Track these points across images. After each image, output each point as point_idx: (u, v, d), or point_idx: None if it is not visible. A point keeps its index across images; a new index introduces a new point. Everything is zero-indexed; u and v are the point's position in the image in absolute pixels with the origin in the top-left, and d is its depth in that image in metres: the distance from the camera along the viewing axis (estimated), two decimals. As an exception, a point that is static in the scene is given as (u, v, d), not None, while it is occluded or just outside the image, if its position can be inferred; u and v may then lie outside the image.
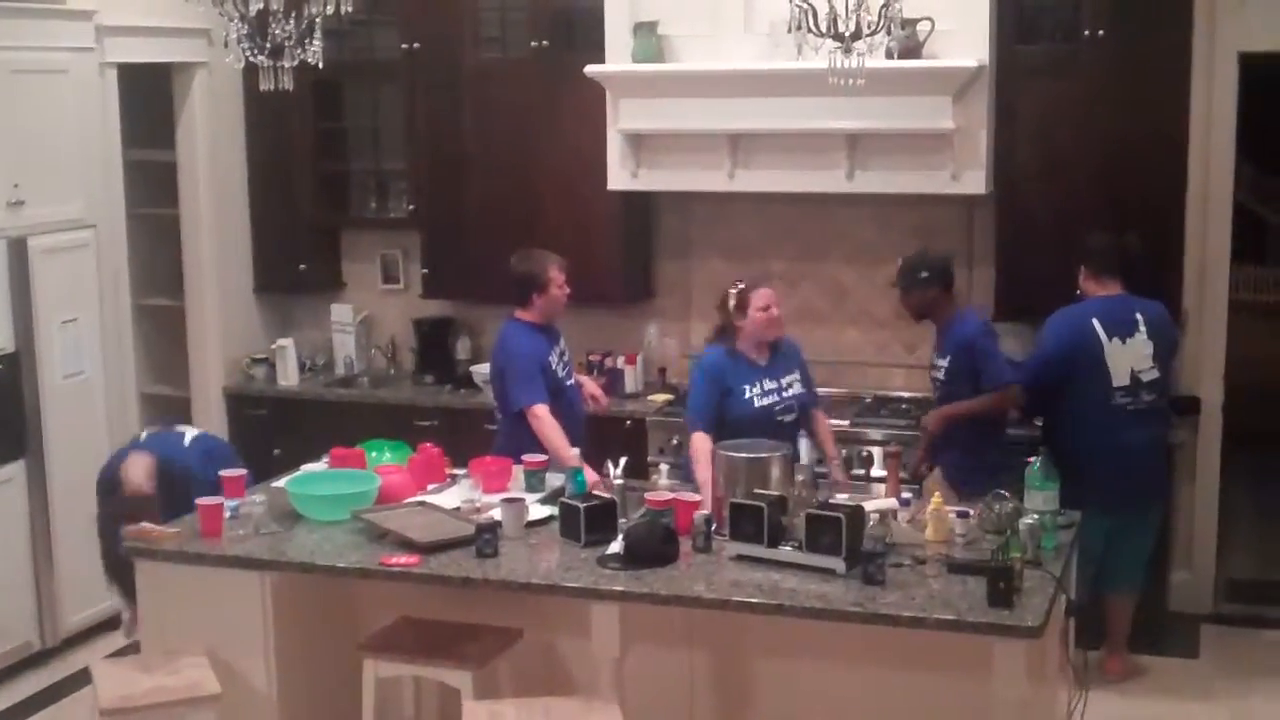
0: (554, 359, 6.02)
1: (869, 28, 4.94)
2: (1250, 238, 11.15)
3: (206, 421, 7.46)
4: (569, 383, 6.14)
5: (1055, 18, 6.71)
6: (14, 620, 6.48)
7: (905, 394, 7.04)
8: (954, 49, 6.40)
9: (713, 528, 4.92)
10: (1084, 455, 5.79)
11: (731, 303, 5.70)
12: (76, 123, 6.75)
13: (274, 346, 7.90)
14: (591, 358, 7.43)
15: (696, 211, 7.46)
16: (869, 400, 7.07)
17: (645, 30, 6.75)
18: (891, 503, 5.04)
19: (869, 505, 4.91)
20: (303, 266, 7.99)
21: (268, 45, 5.10)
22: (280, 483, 5.55)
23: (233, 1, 5.02)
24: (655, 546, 4.78)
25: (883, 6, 4.98)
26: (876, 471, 6.51)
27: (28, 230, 6.47)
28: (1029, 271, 6.67)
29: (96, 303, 6.87)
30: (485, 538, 4.87)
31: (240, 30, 5.07)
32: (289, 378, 7.84)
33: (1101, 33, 6.49)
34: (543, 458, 5.62)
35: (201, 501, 5.12)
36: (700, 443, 5.48)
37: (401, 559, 4.86)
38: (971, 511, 4.94)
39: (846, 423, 6.76)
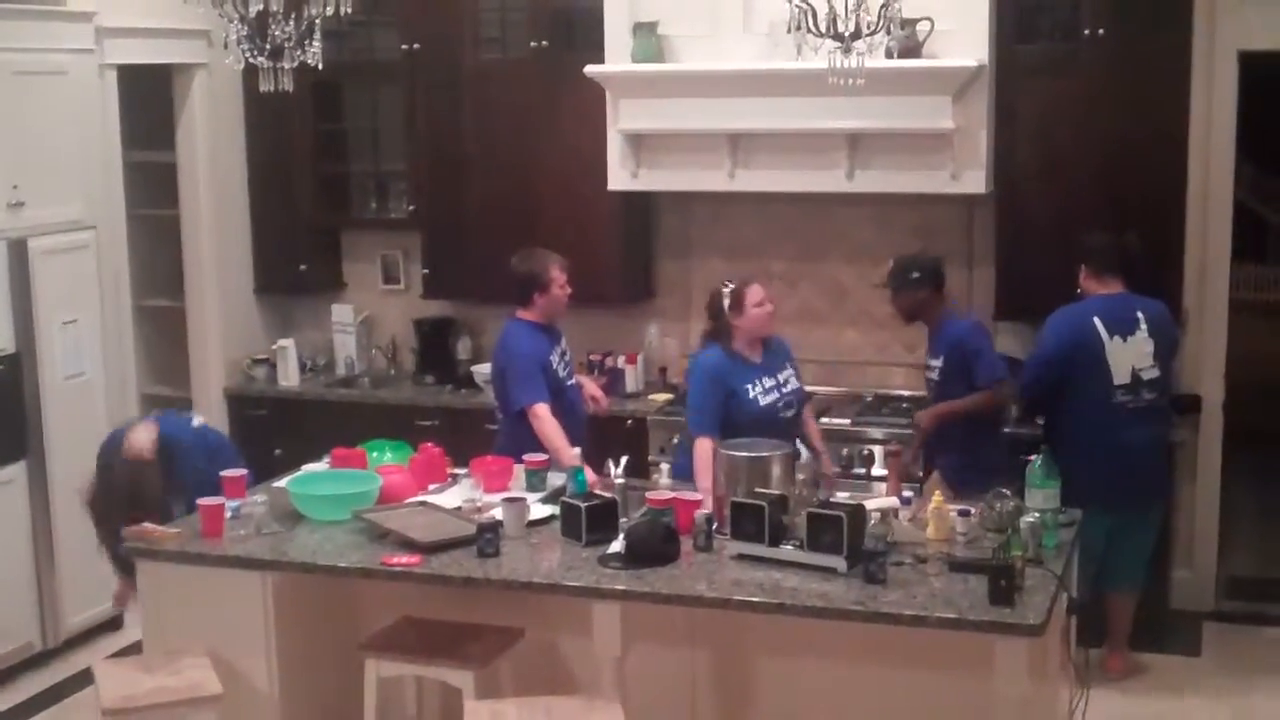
0: (555, 359, 6.02)
1: (868, 27, 4.95)
2: (1250, 236, 11.17)
3: (207, 422, 7.44)
4: (570, 383, 6.14)
5: (1055, 17, 6.71)
6: (15, 621, 6.48)
7: (905, 392, 7.04)
8: (953, 48, 6.40)
9: (714, 527, 4.92)
10: (1085, 453, 5.80)
11: (726, 301, 5.67)
12: (76, 124, 6.75)
13: (275, 347, 7.90)
14: (592, 357, 7.43)
15: (696, 211, 7.47)
16: (869, 399, 7.07)
17: (645, 30, 6.75)
18: (893, 501, 5.04)
19: (870, 504, 4.91)
20: (303, 267, 7.99)
21: (267, 46, 5.10)
22: (281, 483, 5.55)
23: (232, 3, 5.02)
24: (656, 546, 4.78)
25: (882, 6, 4.98)
26: (878, 470, 6.52)
27: (28, 231, 6.47)
28: (1029, 271, 6.67)
29: (97, 304, 6.87)
30: (486, 537, 4.87)
31: (240, 31, 5.07)
32: (290, 378, 7.84)
33: (1101, 32, 6.49)
34: (544, 457, 5.62)
35: (203, 502, 5.12)
36: (705, 449, 5.41)
37: (403, 559, 4.86)
38: (973, 510, 4.94)
39: (847, 422, 6.77)
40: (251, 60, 5.12)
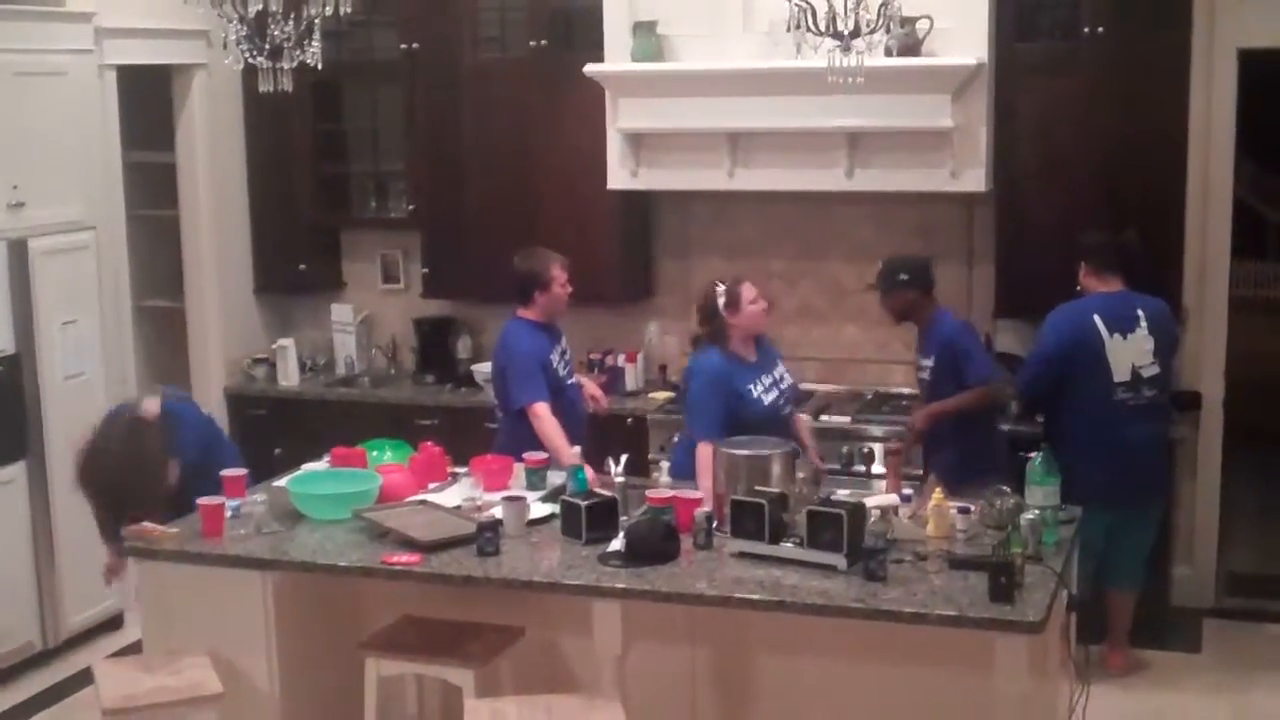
0: (555, 358, 6.03)
1: (868, 26, 4.95)
2: (1250, 234, 11.16)
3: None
4: (570, 382, 6.14)
5: (1054, 15, 6.71)
6: (16, 621, 6.48)
7: (905, 390, 7.03)
8: (953, 47, 6.40)
9: (714, 525, 4.92)
10: (1085, 451, 5.80)
11: (721, 300, 5.62)
12: (76, 125, 6.75)
13: (274, 347, 7.91)
14: (592, 356, 7.44)
15: (696, 210, 7.47)
16: (870, 397, 7.07)
17: (644, 30, 6.75)
18: (893, 499, 5.04)
19: (870, 501, 4.91)
20: (303, 267, 8.00)
21: (267, 46, 5.11)
22: (281, 482, 5.55)
23: (231, 3, 5.02)
24: (656, 544, 4.78)
25: (881, 5, 4.99)
26: (877, 468, 6.52)
27: (28, 232, 6.47)
28: (1029, 269, 6.67)
29: (97, 304, 6.87)
30: (486, 536, 4.87)
31: (239, 32, 5.08)
32: (290, 378, 7.84)
33: (1101, 30, 6.50)
34: (544, 456, 5.62)
35: (203, 501, 5.12)
36: (707, 454, 5.33)
37: (403, 558, 4.86)
38: (973, 507, 4.94)
39: (847, 419, 6.78)
40: (251, 60, 5.13)
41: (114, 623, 6.95)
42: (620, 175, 7.02)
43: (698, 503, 5.02)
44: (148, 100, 7.54)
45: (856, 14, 4.93)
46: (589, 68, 6.82)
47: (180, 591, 5.06)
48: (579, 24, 7.21)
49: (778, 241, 7.35)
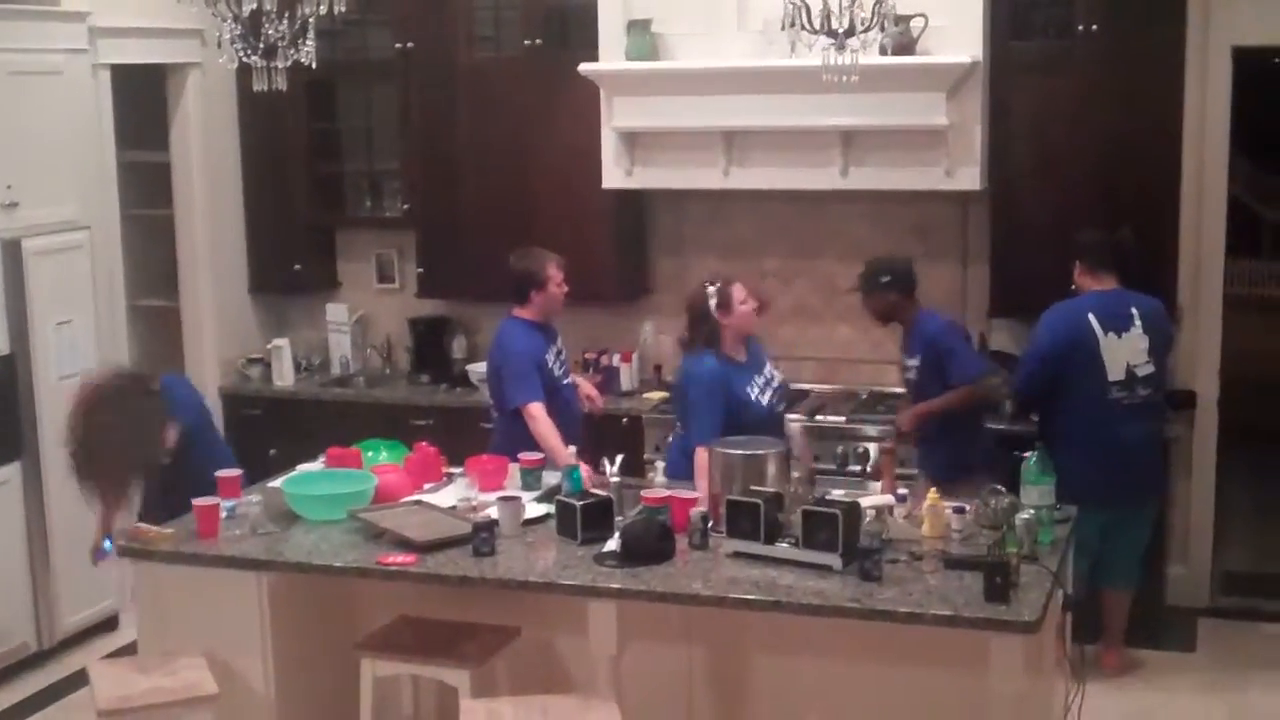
0: (550, 358, 6.02)
1: (862, 24, 4.94)
2: (1245, 232, 11.19)
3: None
4: (565, 382, 6.14)
5: (1048, 13, 6.71)
6: (11, 622, 6.48)
7: (900, 390, 7.00)
8: (947, 45, 6.40)
9: (709, 525, 4.92)
10: (1080, 450, 5.81)
11: (713, 302, 5.59)
12: (70, 124, 6.74)
13: (269, 346, 7.90)
14: (587, 355, 7.44)
15: (691, 209, 7.47)
16: (864, 396, 7.07)
17: (639, 28, 6.75)
18: (888, 499, 5.04)
19: (865, 501, 4.91)
20: (298, 266, 7.99)
21: (261, 45, 5.10)
22: (276, 483, 5.55)
23: (226, 2, 5.02)
24: (652, 544, 4.78)
25: (876, 3, 4.97)
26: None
27: (22, 232, 6.47)
28: (1024, 267, 6.67)
29: (91, 304, 6.86)
30: (482, 536, 4.87)
31: (233, 31, 5.07)
32: (284, 378, 7.84)
33: (1095, 28, 6.50)
34: (539, 456, 5.62)
35: (198, 502, 5.11)
36: (706, 457, 5.27)
37: (399, 558, 4.86)
38: (968, 507, 4.94)
39: (842, 419, 6.78)
40: (245, 59, 5.12)
41: (109, 624, 6.95)
42: (615, 174, 7.02)
43: (693, 502, 5.02)
44: (142, 99, 7.53)
45: (851, 12, 4.92)
46: (584, 66, 6.82)
47: (175, 592, 5.05)
48: (574, 23, 7.21)
49: (773, 240, 7.35)
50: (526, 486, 5.47)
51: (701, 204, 7.41)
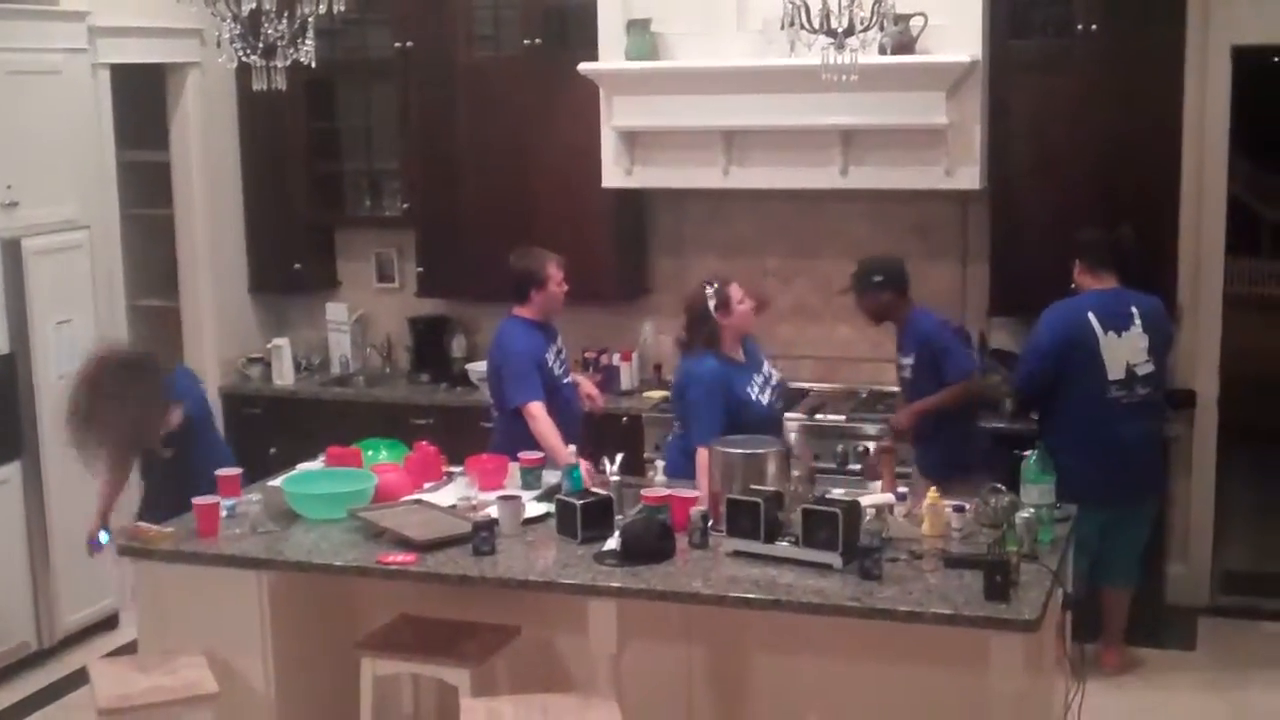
0: (550, 357, 6.02)
1: (862, 23, 4.94)
2: (1245, 231, 11.19)
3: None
4: (565, 381, 6.14)
5: (1048, 13, 6.71)
6: (11, 621, 6.48)
7: (899, 389, 7.03)
8: (947, 44, 6.40)
9: (709, 524, 4.92)
10: (1080, 449, 5.81)
11: (712, 303, 5.59)
12: (70, 124, 6.74)
13: (269, 346, 7.90)
14: (587, 355, 7.44)
15: (691, 208, 7.47)
16: (864, 395, 7.07)
17: (638, 27, 6.75)
18: (888, 497, 5.04)
19: (865, 500, 4.91)
20: (297, 266, 7.99)
21: (260, 45, 5.10)
22: (276, 482, 5.55)
23: (225, 2, 5.02)
24: (652, 543, 4.78)
25: (875, 2, 4.97)
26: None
27: (22, 232, 6.47)
28: (1024, 266, 6.67)
29: (91, 304, 6.86)
30: (482, 535, 4.87)
31: (233, 30, 5.07)
32: (284, 377, 7.84)
33: (1094, 27, 6.50)
34: (539, 455, 5.62)
35: (198, 501, 5.12)
36: (706, 457, 5.29)
37: (399, 557, 4.86)
38: (968, 505, 4.94)
39: (842, 418, 6.78)
40: (244, 59, 5.12)
41: (109, 622, 6.95)
42: (615, 173, 7.02)
43: (693, 501, 5.02)
44: (142, 99, 7.53)
45: (850, 11, 4.92)
46: (583, 66, 6.82)
47: (176, 591, 5.05)
48: (573, 22, 7.21)
49: (772, 239, 7.35)
50: (526, 485, 5.48)
51: (701, 203, 7.41)
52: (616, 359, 7.42)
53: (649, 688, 4.90)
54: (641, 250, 7.58)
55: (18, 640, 6.52)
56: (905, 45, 6.38)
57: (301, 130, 7.85)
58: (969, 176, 6.56)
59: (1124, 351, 6.00)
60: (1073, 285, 6.16)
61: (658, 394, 7.19)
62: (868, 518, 4.76)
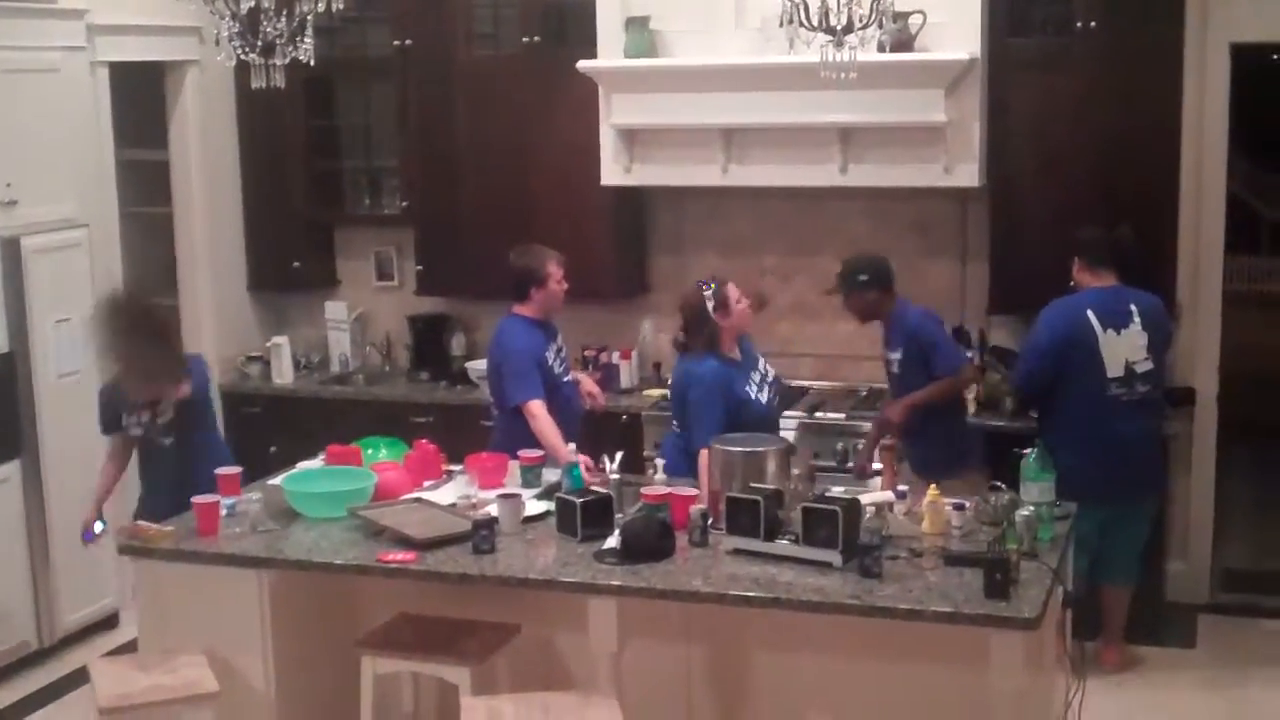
0: (550, 355, 6.02)
1: (861, 21, 4.94)
2: (1244, 229, 11.19)
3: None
4: (565, 379, 6.13)
5: (1047, 10, 6.71)
6: (11, 619, 6.48)
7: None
8: (946, 42, 6.40)
9: (709, 522, 4.92)
10: (1079, 446, 5.81)
11: (711, 303, 5.58)
12: (69, 122, 6.74)
13: (269, 344, 7.90)
14: (586, 353, 7.44)
15: (690, 206, 7.47)
16: (864, 393, 7.07)
17: (637, 25, 6.75)
18: (888, 495, 5.04)
19: (865, 498, 4.91)
20: (297, 264, 7.99)
21: (259, 43, 5.11)
22: (276, 480, 5.55)
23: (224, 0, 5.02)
24: (652, 541, 4.78)
25: (874, 0, 4.98)
26: (877, 464, 6.51)
27: (21, 230, 6.47)
28: (1023, 264, 6.67)
29: (90, 302, 6.84)
30: (482, 534, 4.87)
31: (231, 28, 5.08)
32: (284, 375, 7.84)
33: (1093, 25, 6.50)
34: (539, 453, 5.62)
35: (198, 500, 5.12)
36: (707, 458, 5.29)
37: (398, 555, 4.86)
38: (968, 503, 4.94)
39: (842, 416, 6.78)
40: (243, 57, 5.12)
41: (109, 621, 6.95)
42: (614, 171, 7.02)
43: (693, 499, 5.02)
44: (140, 97, 7.53)
45: (849, 9, 4.92)
46: (582, 64, 6.82)
47: (176, 590, 5.05)
48: (572, 20, 7.21)
49: (771, 237, 7.35)
50: (526, 484, 5.48)
51: (700, 201, 7.41)
52: (616, 357, 7.42)
53: (649, 686, 4.90)
54: (641, 248, 7.58)
55: (18, 639, 6.52)
56: (904, 43, 6.38)
57: (300, 128, 7.85)
58: (968, 174, 6.56)
59: (1123, 349, 6.00)
60: (1072, 283, 6.16)
61: (657, 392, 7.19)
62: (867, 516, 4.75)
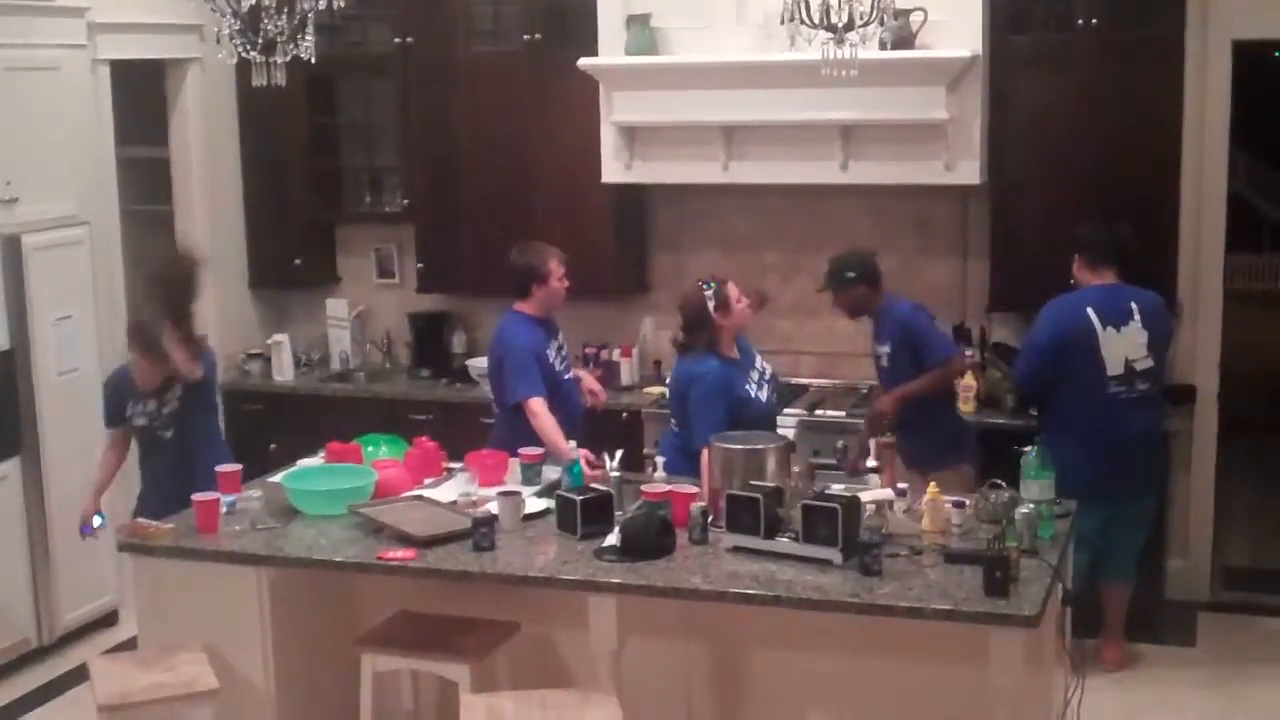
0: (551, 352, 6.02)
1: (862, 18, 4.94)
2: (1245, 226, 11.19)
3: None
4: (567, 376, 6.13)
5: (1048, 7, 6.71)
6: (12, 617, 6.48)
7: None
8: (947, 39, 6.40)
9: (709, 520, 4.92)
10: (1079, 444, 5.80)
11: (712, 303, 5.58)
12: (70, 120, 6.74)
13: (269, 342, 7.90)
14: (587, 350, 7.44)
15: (690, 204, 7.46)
16: (864, 391, 7.06)
17: (638, 23, 6.75)
18: (888, 493, 5.04)
19: (865, 496, 4.91)
20: (297, 262, 7.99)
21: (260, 41, 5.10)
22: (277, 478, 5.56)
23: (225, -2, 5.02)
24: (652, 538, 4.78)
25: (875, -3, 4.98)
26: (871, 461, 6.50)
27: (21, 228, 6.46)
28: (1024, 262, 6.68)
29: (90, 300, 6.86)
30: (482, 531, 4.87)
31: (232, 26, 5.08)
32: (285, 373, 7.84)
33: (1095, 22, 6.50)
34: (539, 451, 5.62)
35: (198, 497, 5.12)
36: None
37: (398, 553, 4.86)
38: (967, 501, 4.94)
39: (842, 414, 6.77)
40: (244, 55, 5.12)
41: (109, 619, 6.96)
42: (614, 168, 7.02)
43: (693, 497, 5.01)
44: (141, 95, 7.53)
45: (850, 6, 4.92)
46: (583, 61, 6.81)
47: (176, 587, 5.05)
48: (573, 17, 7.20)
49: (772, 235, 7.34)
50: (526, 481, 5.48)
51: (701, 198, 7.40)
52: (616, 354, 7.42)
53: (649, 683, 4.90)
54: (641, 246, 7.58)
55: (18, 636, 6.52)
56: (905, 40, 6.38)
57: (301, 126, 7.85)
58: (969, 171, 6.56)
59: (1123, 347, 6.00)
60: (1072, 280, 6.16)
61: (657, 389, 7.18)
62: (867, 514, 4.75)
